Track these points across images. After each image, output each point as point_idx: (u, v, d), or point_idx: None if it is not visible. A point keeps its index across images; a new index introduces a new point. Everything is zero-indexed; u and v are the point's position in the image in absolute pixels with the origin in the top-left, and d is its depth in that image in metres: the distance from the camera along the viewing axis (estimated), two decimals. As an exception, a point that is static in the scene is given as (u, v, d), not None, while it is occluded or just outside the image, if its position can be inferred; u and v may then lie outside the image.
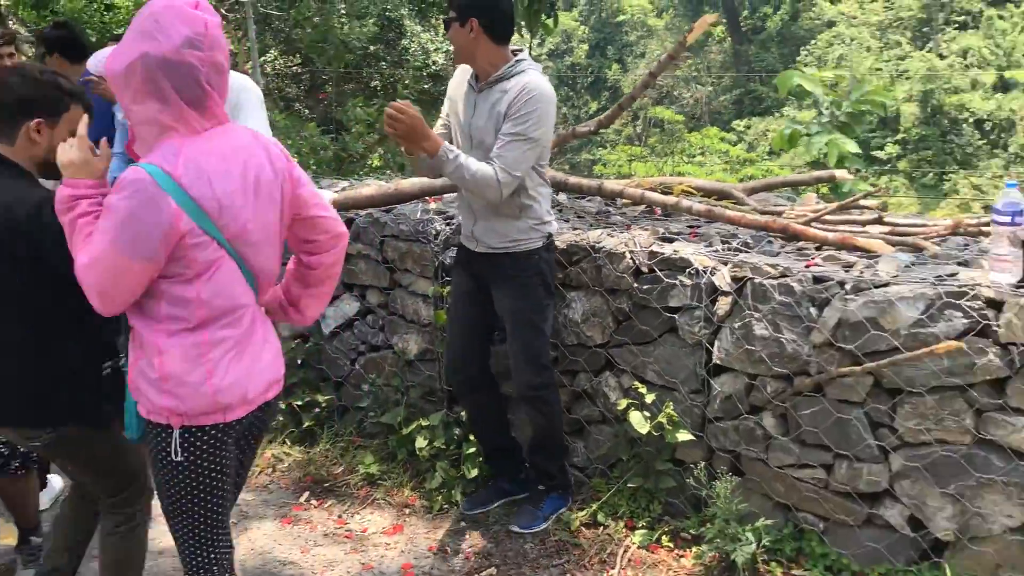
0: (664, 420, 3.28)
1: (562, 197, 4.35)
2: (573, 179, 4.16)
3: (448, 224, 3.96)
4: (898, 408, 2.92)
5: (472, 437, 3.71)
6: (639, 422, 3.31)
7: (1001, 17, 37.84)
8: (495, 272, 3.29)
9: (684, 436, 3.27)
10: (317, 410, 4.22)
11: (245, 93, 3.48)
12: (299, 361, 4.28)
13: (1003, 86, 35.08)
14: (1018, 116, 33.47)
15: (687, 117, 37.78)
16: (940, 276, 2.95)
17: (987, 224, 3.21)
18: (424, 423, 3.81)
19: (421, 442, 3.75)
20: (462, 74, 3.31)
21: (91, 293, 2.04)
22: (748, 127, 36.73)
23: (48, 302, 2.37)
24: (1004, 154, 33.07)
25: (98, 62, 4.08)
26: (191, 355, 2.06)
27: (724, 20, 44.07)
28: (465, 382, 3.51)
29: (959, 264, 3.12)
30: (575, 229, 3.77)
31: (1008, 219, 2.80)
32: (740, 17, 44.29)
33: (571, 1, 42.80)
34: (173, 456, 2.11)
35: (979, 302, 2.78)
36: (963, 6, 39.65)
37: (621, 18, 41.92)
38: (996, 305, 2.76)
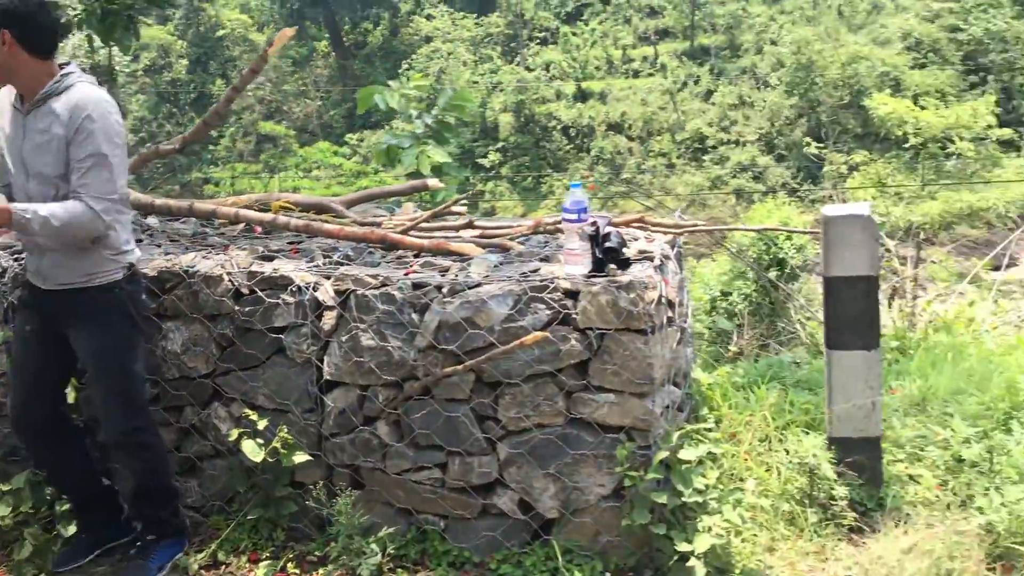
0: (279, 444, 3.16)
1: (152, 220, 4.05)
2: (160, 201, 3.90)
3: (16, 259, 3.51)
4: (499, 400, 3.08)
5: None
6: (253, 450, 3.16)
7: (575, 34, 42.27)
8: (70, 311, 2.95)
9: (301, 458, 3.19)
10: None
11: None
12: None
13: (581, 96, 39.20)
14: (596, 122, 37.60)
15: (299, 131, 37.59)
16: (524, 273, 3.16)
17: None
18: (6, 488, 3.34)
19: (3, 510, 3.28)
20: (6, 95, 2.94)
21: None
22: (361, 140, 37.41)
23: None
24: (587, 157, 37.00)
25: None
26: None
27: (327, 35, 44.44)
28: (34, 433, 3.13)
29: (540, 260, 3.36)
30: (167, 254, 3.53)
31: (575, 216, 3.07)
32: (342, 32, 44.91)
33: (165, 15, 40.64)
34: None
35: (558, 294, 3.01)
36: (542, 23, 43.71)
37: (221, 33, 40.57)
38: (573, 295, 3.01)
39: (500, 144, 37.84)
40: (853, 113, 32.99)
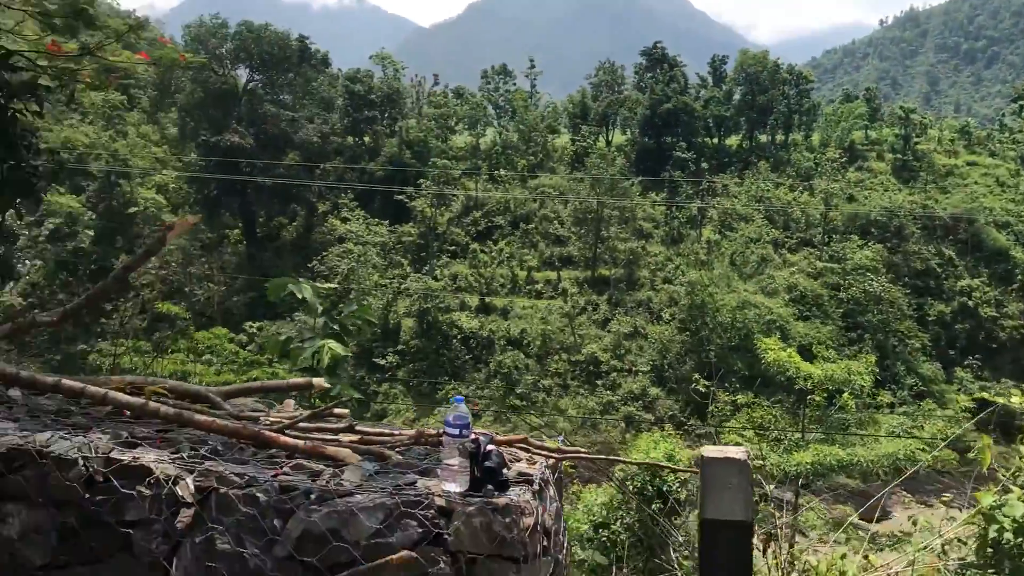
0: (106, 654, 2.86)
1: (15, 393, 3.82)
2: (26, 374, 3.69)
3: None
4: (356, 622, 2.87)
5: None
6: (75, 659, 2.84)
7: (483, 251, 43.82)
8: None
9: (129, 671, 2.88)
10: None
11: None
12: None
13: (484, 309, 40.05)
14: (496, 336, 38.23)
15: (197, 315, 37.04)
16: (399, 485, 3.05)
17: (445, 435, 3.44)
18: None
19: None
20: None
21: None
22: (260, 328, 37.05)
23: None
24: (485, 368, 37.35)
25: None
26: None
27: (240, 224, 45.00)
28: None
29: (418, 473, 3.27)
30: (23, 431, 3.30)
31: (457, 431, 3.02)
32: (256, 223, 45.49)
33: (79, 184, 40.67)
34: None
35: (432, 511, 2.90)
36: (454, 238, 45.28)
37: (133, 210, 40.58)
38: (447, 513, 2.90)
39: (400, 347, 38.04)
40: (741, 355, 34.49)
